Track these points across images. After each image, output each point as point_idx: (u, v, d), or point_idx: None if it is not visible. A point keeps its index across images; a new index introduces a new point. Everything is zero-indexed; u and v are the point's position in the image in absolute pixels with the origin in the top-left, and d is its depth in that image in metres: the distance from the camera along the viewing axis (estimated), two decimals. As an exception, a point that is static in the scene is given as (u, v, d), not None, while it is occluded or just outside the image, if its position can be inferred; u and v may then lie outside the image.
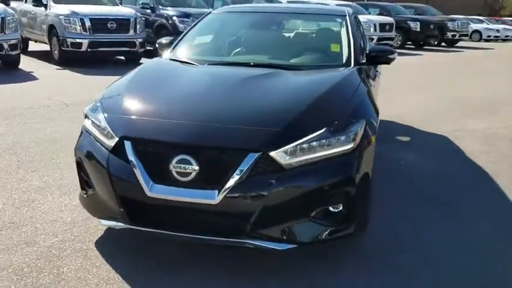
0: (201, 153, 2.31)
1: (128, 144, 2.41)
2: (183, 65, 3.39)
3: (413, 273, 2.55)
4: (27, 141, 4.71)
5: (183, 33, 3.90)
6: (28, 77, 8.57)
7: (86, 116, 2.80)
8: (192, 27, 3.96)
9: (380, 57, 3.56)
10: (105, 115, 2.62)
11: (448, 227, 3.10)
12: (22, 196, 3.42)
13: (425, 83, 9.78)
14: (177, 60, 3.52)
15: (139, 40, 10.68)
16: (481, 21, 29.73)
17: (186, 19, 11.58)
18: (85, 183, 2.77)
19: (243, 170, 2.26)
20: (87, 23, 9.86)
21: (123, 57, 11.50)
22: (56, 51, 10.14)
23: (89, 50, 9.95)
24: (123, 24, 10.35)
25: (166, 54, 3.69)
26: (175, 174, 2.32)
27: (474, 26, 27.63)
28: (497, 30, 28.77)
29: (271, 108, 2.58)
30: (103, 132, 2.57)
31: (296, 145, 2.33)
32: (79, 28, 9.83)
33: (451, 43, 22.15)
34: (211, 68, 3.29)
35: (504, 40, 29.14)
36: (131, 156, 2.38)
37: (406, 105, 7.15)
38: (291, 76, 3.10)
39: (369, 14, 18.64)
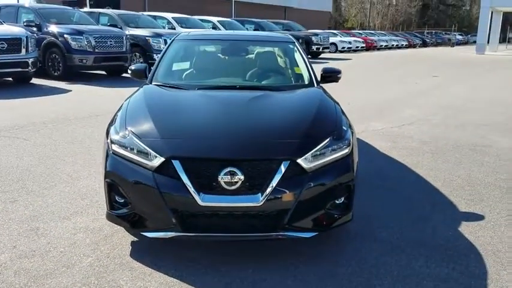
0: (245, 164, 2.78)
1: (177, 163, 2.77)
2: (177, 90, 3.76)
3: (393, 245, 3.33)
4: (-21, 173, 4.52)
5: (158, 61, 4.20)
6: None
7: (113, 142, 3.04)
8: (163, 55, 4.29)
9: (331, 76, 4.35)
10: (142, 140, 2.92)
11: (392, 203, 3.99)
12: (22, 226, 3.44)
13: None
14: (164, 86, 3.87)
15: (32, 60, 10.23)
16: (336, 35, 33.36)
17: (79, 37, 11.32)
18: (117, 203, 3.02)
19: (279, 175, 2.80)
20: (-26, 44, 9.16)
21: (10, 78, 10.82)
22: None
23: (-23, 73, 9.24)
24: (14, 44, 9.84)
25: (150, 80, 4.00)
26: (223, 184, 2.75)
27: (330, 39, 30.89)
28: (350, 42, 32.63)
29: (285, 123, 3.17)
30: (142, 155, 2.87)
31: (313, 152, 2.93)
32: (-35, 49, 9.08)
33: (316, 55, 24.61)
34: (210, 92, 3.69)
35: (355, 51, 33.11)
36: (181, 173, 2.75)
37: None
38: (281, 96, 3.70)
39: (246, 29, 19.92)
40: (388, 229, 3.54)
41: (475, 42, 38.28)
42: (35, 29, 11.56)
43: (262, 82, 4.15)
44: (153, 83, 3.96)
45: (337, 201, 3.08)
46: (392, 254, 3.17)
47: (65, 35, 11.28)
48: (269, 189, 2.77)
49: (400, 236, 3.44)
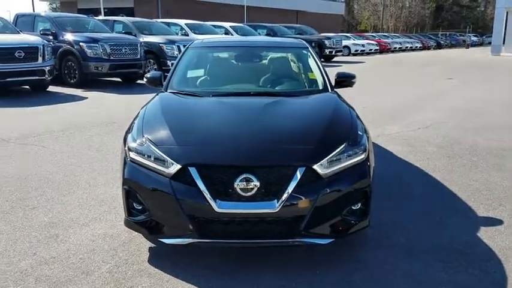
0: (261, 171, 2.80)
1: (193, 170, 2.80)
2: (192, 98, 3.80)
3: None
4: (-1, 181, 4.62)
5: (173, 69, 4.25)
6: None
7: (130, 150, 3.08)
8: (178, 62, 4.33)
9: (345, 81, 4.34)
10: (159, 147, 2.95)
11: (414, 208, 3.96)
12: (42, 233, 3.50)
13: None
14: (179, 93, 3.91)
15: (48, 68, 10.39)
16: (348, 38, 33.28)
17: (94, 45, 11.48)
18: (134, 209, 3.05)
19: (295, 181, 2.80)
20: (-7, 53, 9.35)
21: (27, 86, 11.02)
22: (-45, 84, 9.40)
23: (-5, 80, 9.43)
24: (31, 52, 10.01)
25: (166, 88, 4.05)
26: (239, 191, 2.76)
27: (343, 42, 30.83)
28: (363, 45, 32.53)
29: (300, 129, 3.18)
30: (159, 163, 2.91)
31: (329, 158, 2.93)
32: (-17, 59, 9.27)
33: (329, 58, 24.55)
34: (225, 99, 3.72)
35: (368, 53, 32.97)
36: (198, 180, 2.77)
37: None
38: (296, 101, 3.72)
39: (259, 34, 19.99)
40: (405, 234, 3.51)
41: (490, 43, 37.85)
42: (51, 37, 11.74)
43: (276, 88, 4.18)
44: (168, 91, 4.00)
45: (353, 207, 3.07)
46: (410, 259, 3.14)
47: (81, 43, 11.45)
48: (285, 196, 2.78)
49: (418, 241, 3.41)
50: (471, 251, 3.28)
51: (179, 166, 2.84)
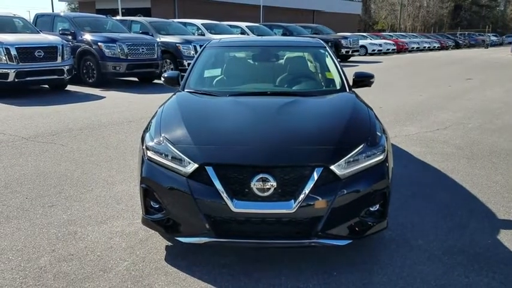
0: (278, 171, 2.78)
1: (210, 169, 2.80)
2: (209, 97, 3.81)
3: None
4: (18, 178, 4.68)
5: (190, 68, 4.27)
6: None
7: (148, 148, 3.10)
8: (195, 62, 4.35)
9: (363, 81, 4.30)
10: (176, 146, 2.96)
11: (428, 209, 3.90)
12: (60, 230, 3.54)
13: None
14: (196, 93, 3.92)
15: (67, 67, 10.52)
16: (365, 37, 33.02)
17: (112, 44, 11.59)
18: (152, 208, 3.07)
19: (312, 181, 2.78)
20: (13, 52, 9.51)
21: (47, 86, 11.18)
22: (-24, 83, 9.58)
23: (16, 80, 9.59)
24: (50, 52, 10.14)
25: (183, 87, 4.06)
26: (255, 191, 2.75)
27: (360, 42, 30.60)
28: (380, 45, 32.22)
29: (318, 129, 3.15)
30: (176, 162, 2.91)
31: (346, 158, 2.90)
32: (4, 58, 9.44)
33: (345, 58, 24.37)
34: (242, 99, 3.72)
35: (386, 53, 32.66)
36: (215, 179, 2.77)
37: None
38: (313, 101, 3.70)
39: (275, 34, 19.95)
40: (424, 237, 3.46)
41: (510, 43, 37.19)
42: (70, 37, 11.88)
43: (294, 88, 4.16)
44: (185, 90, 4.01)
45: (371, 209, 3.03)
46: (429, 262, 3.10)
47: (99, 43, 11.57)
48: (302, 196, 2.76)
49: (437, 243, 3.36)
50: (492, 254, 3.22)
51: (196, 165, 2.84)
